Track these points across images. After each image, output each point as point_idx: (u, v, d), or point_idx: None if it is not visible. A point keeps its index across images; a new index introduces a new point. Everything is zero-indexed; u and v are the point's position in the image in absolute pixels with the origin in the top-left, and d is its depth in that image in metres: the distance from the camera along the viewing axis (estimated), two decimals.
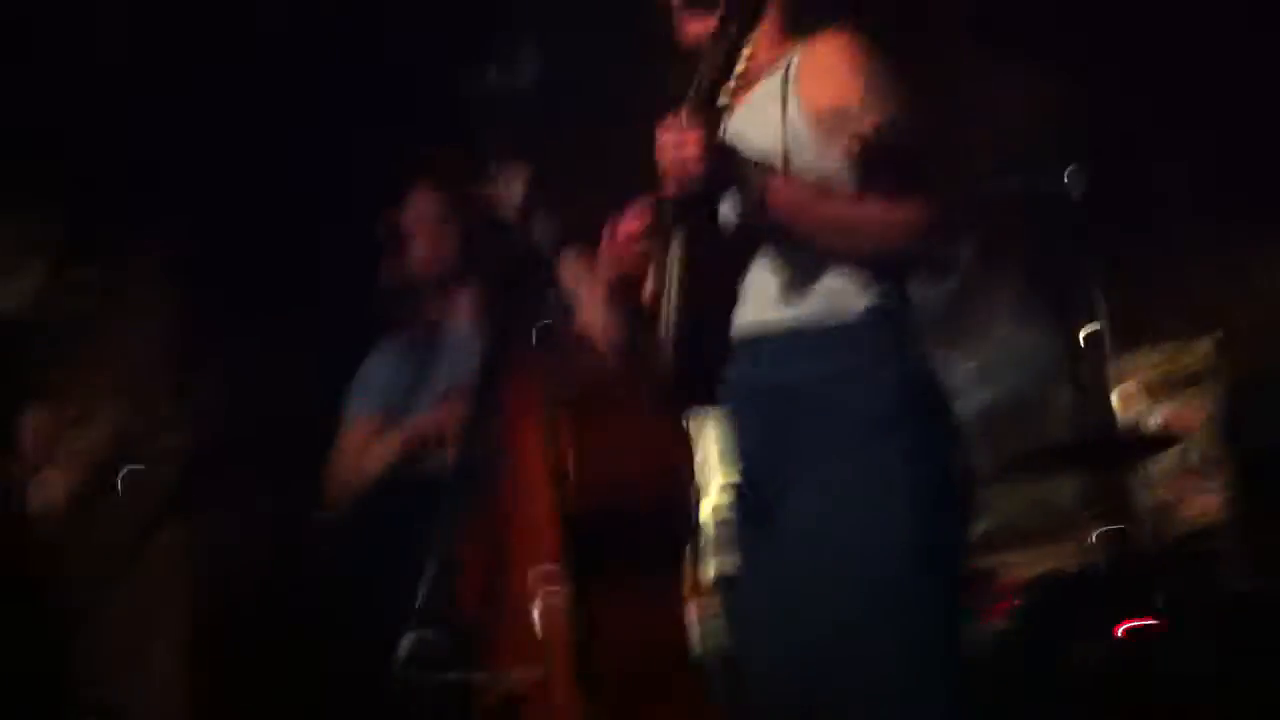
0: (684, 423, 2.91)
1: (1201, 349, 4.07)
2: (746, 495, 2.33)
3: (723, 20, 2.19)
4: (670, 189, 2.21)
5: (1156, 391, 4.09)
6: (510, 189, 3.08)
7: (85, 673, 3.98)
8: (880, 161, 2.16)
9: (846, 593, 2.15)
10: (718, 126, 2.20)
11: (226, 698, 4.36)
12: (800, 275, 2.25)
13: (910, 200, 2.18)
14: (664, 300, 2.28)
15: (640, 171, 2.34)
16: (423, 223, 3.45)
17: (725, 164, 2.18)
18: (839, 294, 2.24)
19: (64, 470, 3.23)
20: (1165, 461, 3.94)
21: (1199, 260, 4.19)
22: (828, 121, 2.20)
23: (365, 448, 3.37)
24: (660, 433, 2.87)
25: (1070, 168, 3.76)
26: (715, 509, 2.47)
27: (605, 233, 2.40)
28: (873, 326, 2.23)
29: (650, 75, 2.54)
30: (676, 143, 2.17)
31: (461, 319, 3.44)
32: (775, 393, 2.26)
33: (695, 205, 2.21)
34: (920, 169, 2.18)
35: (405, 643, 2.75)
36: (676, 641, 2.89)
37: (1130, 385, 4.04)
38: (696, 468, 2.97)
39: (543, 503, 2.81)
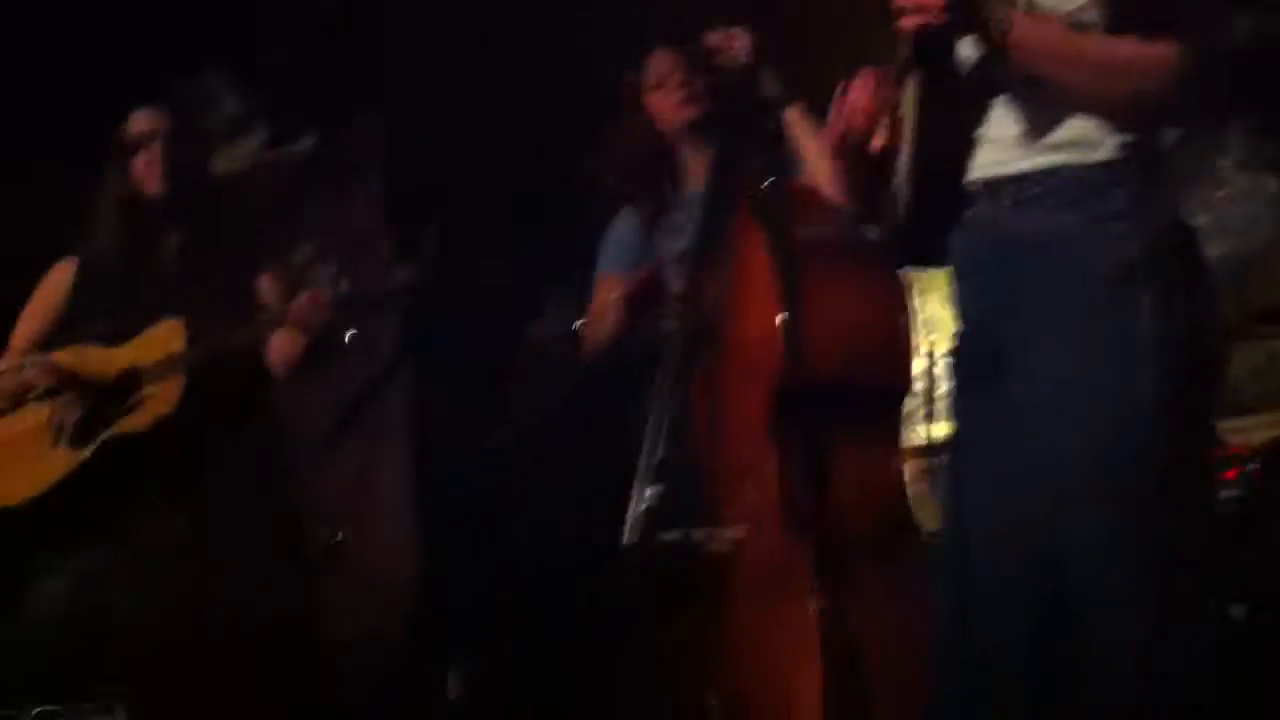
0: (904, 278, 2.86)
1: None
2: (977, 349, 2.26)
3: None
4: (906, 25, 2.11)
5: None
6: (737, 46, 3.04)
7: (316, 513, 4.16)
8: None
9: (1085, 453, 2.07)
10: None
11: (447, 548, 4.49)
12: (1042, 120, 2.15)
13: (1165, 38, 2.05)
14: (896, 147, 2.20)
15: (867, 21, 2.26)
16: (662, 83, 3.41)
17: None
18: (1084, 140, 2.13)
19: (293, 331, 3.30)
20: None
21: None
22: None
23: (604, 308, 3.41)
24: (882, 287, 2.82)
25: None
26: (939, 364, 2.40)
27: (834, 102, 2.30)
28: (1120, 173, 2.11)
29: None
30: None
31: (697, 180, 3.43)
32: (1012, 243, 2.17)
33: (933, 44, 2.12)
34: (1177, 5, 2.05)
35: (643, 497, 2.77)
36: (893, 500, 2.85)
37: None
38: (917, 323, 2.92)
39: (763, 360, 2.78)
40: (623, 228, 3.52)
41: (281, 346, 3.33)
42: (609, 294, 3.43)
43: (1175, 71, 2.07)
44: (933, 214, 2.23)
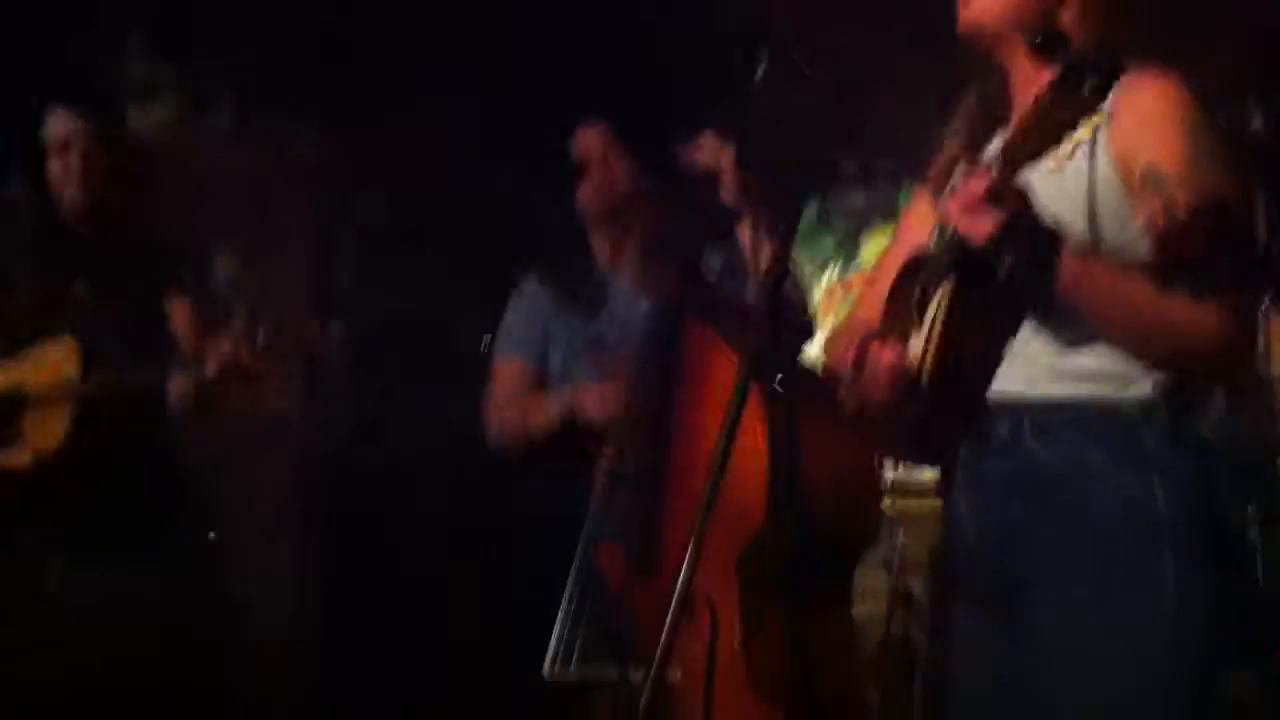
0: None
1: None
2: (975, 571, 2.12)
3: (1065, 76, 1.94)
4: (954, 222, 1.94)
5: None
6: (713, 154, 2.85)
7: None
8: (1191, 243, 1.82)
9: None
10: (1019, 177, 1.94)
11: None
12: (1076, 345, 2.01)
13: (1222, 300, 1.88)
14: (916, 344, 2.03)
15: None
16: (593, 156, 3.19)
17: (1022, 223, 1.90)
18: (1118, 374, 1.98)
19: (198, 372, 3.01)
20: None
21: None
22: (1137, 183, 1.81)
23: (518, 396, 3.18)
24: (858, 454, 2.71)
25: None
26: None
27: (856, 361, 2.09)
28: (1155, 417, 1.97)
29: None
30: (973, 188, 1.91)
31: (626, 271, 3.22)
32: (1029, 471, 2.02)
33: (976, 258, 1.95)
34: (1243, 259, 1.88)
35: (558, 638, 2.60)
36: (851, 670, 2.78)
37: None
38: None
39: (741, 500, 2.57)
40: (526, 306, 3.27)
41: (181, 387, 3.04)
42: (514, 379, 3.20)
43: (1226, 345, 1.92)
44: (946, 422, 2.07)
